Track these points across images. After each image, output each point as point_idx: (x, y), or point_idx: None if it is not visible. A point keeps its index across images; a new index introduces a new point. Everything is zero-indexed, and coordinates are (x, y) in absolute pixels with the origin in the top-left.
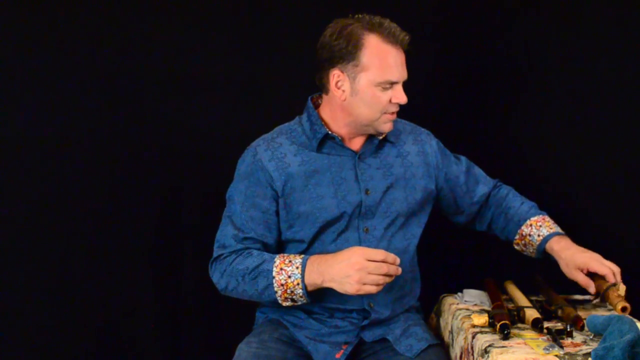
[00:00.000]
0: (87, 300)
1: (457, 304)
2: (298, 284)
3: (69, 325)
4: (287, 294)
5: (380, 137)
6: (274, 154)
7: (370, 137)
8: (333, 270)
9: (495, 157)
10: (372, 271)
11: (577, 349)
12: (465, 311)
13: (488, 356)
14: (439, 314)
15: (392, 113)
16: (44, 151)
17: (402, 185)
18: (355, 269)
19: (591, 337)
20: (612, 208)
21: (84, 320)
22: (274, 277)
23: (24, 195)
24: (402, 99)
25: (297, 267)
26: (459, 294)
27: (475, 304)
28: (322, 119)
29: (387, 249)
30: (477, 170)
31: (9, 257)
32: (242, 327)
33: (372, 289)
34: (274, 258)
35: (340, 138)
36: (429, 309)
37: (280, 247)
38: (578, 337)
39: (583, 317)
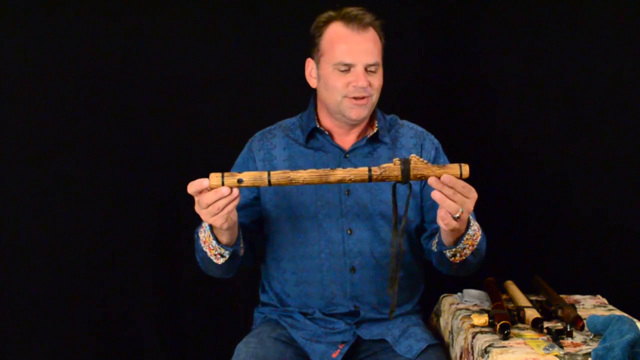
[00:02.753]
0: (87, 300)
1: (457, 304)
2: (209, 235)
3: (69, 326)
4: (212, 248)
5: (368, 136)
6: (264, 144)
7: (360, 136)
8: None
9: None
10: (203, 207)
11: (577, 349)
12: (465, 311)
13: (488, 356)
14: (439, 314)
15: (357, 98)
16: (44, 151)
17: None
18: (197, 209)
19: (591, 337)
20: (609, 205)
21: (84, 320)
22: (200, 238)
23: (23, 196)
24: (358, 81)
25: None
26: (459, 294)
27: (475, 304)
28: (316, 114)
29: (373, 252)
30: None
31: (9, 257)
32: (241, 327)
33: (215, 221)
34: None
35: (328, 133)
36: (429, 309)
37: (264, 238)
38: (578, 337)
39: (583, 317)
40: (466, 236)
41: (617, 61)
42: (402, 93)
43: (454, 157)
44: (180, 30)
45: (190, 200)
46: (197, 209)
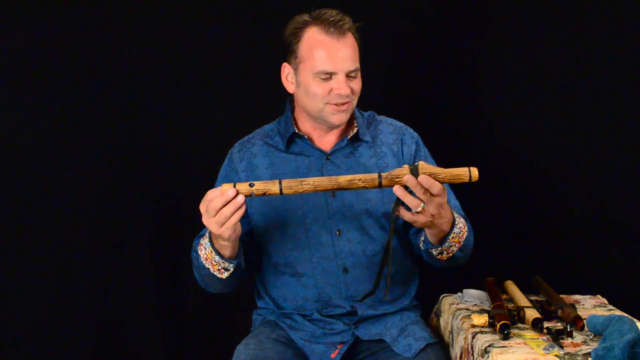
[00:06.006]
0: (86, 301)
1: (457, 304)
2: (211, 251)
3: (69, 327)
4: (215, 264)
5: (349, 136)
6: (245, 154)
7: (340, 137)
8: None
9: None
10: (211, 215)
11: (577, 349)
12: (465, 311)
13: (488, 356)
14: (439, 314)
15: (339, 104)
16: (43, 151)
17: None
18: (205, 220)
19: (591, 337)
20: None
21: (83, 320)
22: (200, 256)
23: (23, 196)
24: (341, 89)
25: (206, 237)
26: (459, 294)
27: (475, 304)
28: (294, 118)
29: (364, 251)
30: (450, 197)
31: (9, 258)
32: (240, 329)
33: (223, 231)
34: (199, 239)
35: (308, 137)
36: (429, 309)
37: (257, 248)
38: (578, 337)
39: (583, 317)
40: (451, 235)
41: (616, 59)
42: (390, 92)
43: (452, 158)
44: (175, 32)
45: (191, 201)
46: (204, 220)
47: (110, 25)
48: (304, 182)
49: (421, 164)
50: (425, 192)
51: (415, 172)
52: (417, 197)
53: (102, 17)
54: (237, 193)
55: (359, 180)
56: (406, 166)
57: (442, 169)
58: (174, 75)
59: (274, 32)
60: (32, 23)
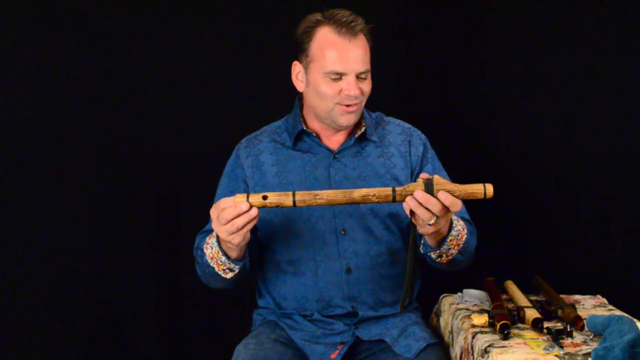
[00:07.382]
0: (86, 301)
1: (457, 304)
2: (218, 252)
3: (69, 326)
4: (220, 264)
5: (356, 136)
6: (251, 150)
7: (348, 136)
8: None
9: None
10: (222, 223)
11: (577, 349)
12: (465, 311)
13: (488, 356)
14: (439, 314)
15: (348, 105)
16: (43, 151)
17: (384, 186)
18: (215, 226)
19: (591, 337)
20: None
21: (83, 320)
22: (205, 254)
23: (23, 196)
24: (351, 90)
25: (214, 236)
26: (459, 294)
27: (475, 304)
28: (302, 116)
29: (369, 251)
30: None
31: (9, 258)
32: (240, 329)
33: (233, 239)
34: (206, 237)
35: (316, 135)
36: (429, 309)
37: (260, 245)
38: (578, 337)
39: (583, 317)
40: (449, 237)
41: (618, 60)
42: (400, 94)
43: (457, 159)
44: (177, 31)
45: (190, 200)
46: (214, 226)
47: (110, 25)
48: (317, 196)
49: (436, 178)
50: (443, 208)
51: (429, 187)
52: (429, 211)
53: (102, 17)
54: (251, 206)
55: (372, 195)
56: (420, 181)
57: (457, 185)
58: (175, 74)
59: (279, 31)
60: (32, 23)
